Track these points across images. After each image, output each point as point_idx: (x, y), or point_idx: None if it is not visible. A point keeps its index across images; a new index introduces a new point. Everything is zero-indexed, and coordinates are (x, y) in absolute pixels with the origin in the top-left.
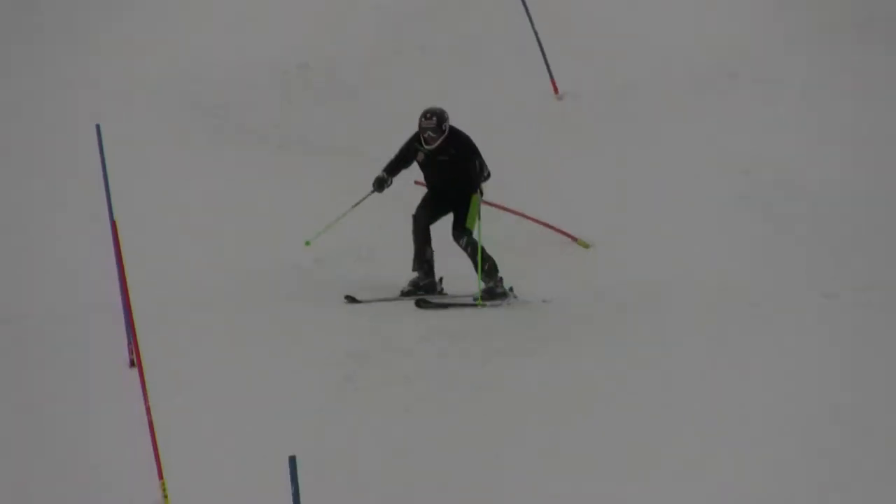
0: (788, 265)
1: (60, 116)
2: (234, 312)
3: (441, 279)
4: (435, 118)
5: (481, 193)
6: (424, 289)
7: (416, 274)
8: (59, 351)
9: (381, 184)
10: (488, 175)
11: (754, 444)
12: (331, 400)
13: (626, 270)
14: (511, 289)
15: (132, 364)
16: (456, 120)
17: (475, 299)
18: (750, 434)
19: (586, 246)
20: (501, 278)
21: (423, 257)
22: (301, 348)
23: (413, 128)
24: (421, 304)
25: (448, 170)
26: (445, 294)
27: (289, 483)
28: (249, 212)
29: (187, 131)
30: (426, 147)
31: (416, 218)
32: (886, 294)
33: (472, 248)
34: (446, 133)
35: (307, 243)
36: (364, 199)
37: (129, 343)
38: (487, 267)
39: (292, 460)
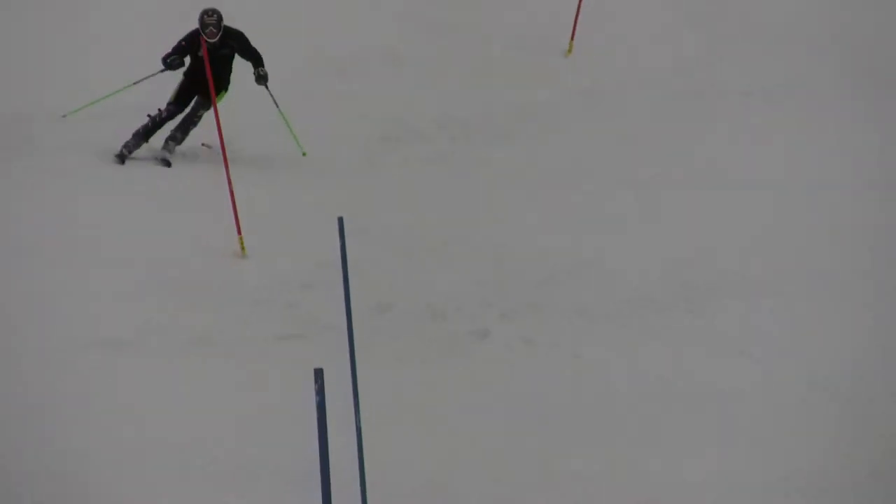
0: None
1: None
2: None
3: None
4: (216, 15)
5: (263, 82)
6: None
7: (130, 142)
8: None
9: (172, 64)
10: (262, 60)
11: (731, 200)
12: (365, 172)
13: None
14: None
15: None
16: None
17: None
18: (728, 188)
19: (569, 51)
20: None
21: (146, 139)
22: (336, 130)
23: None
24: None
25: (227, 62)
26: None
27: (337, 239)
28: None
29: None
30: (209, 41)
31: (161, 113)
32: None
33: (197, 122)
34: (222, 30)
35: (66, 115)
36: (150, 76)
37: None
38: (181, 135)
39: (340, 220)
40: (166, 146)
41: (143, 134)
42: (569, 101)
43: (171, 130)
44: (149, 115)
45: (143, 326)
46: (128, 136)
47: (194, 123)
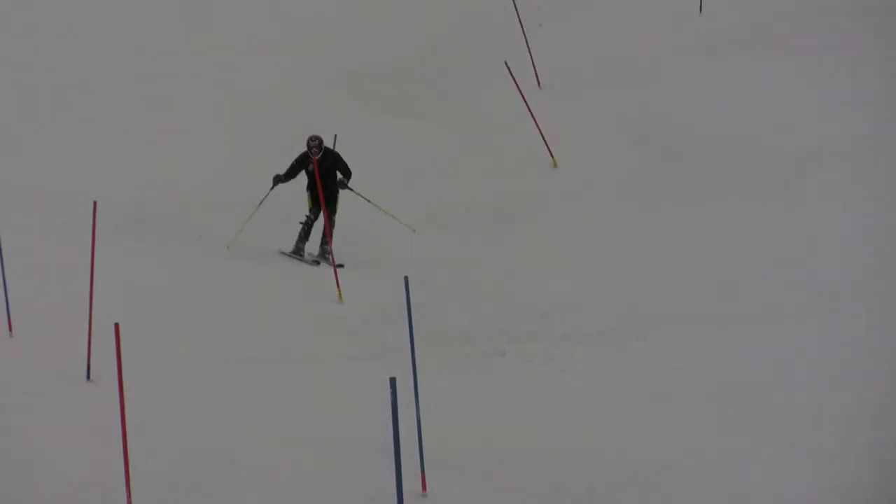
0: None
1: None
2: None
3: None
4: (317, 140)
5: (343, 186)
6: (300, 251)
7: (297, 244)
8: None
9: (276, 181)
10: (350, 173)
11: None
12: (420, 245)
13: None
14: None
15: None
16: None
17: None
18: (662, 255)
19: (554, 164)
20: (328, 251)
21: (307, 238)
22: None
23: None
24: (309, 260)
25: (329, 172)
26: (315, 260)
27: (404, 290)
28: None
29: None
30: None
31: (309, 218)
32: None
33: (333, 225)
34: (323, 150)
35: (228, 247)
36: (266, 196)
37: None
38: (328, 241)
39: (405, 278)
40: (323, 251)
41: (303, 237)
42: (557, 198)
43: (322, 238)
44: (301, 223)
45: (266, 347)
46: (288, 241)
47: (332, 225)
